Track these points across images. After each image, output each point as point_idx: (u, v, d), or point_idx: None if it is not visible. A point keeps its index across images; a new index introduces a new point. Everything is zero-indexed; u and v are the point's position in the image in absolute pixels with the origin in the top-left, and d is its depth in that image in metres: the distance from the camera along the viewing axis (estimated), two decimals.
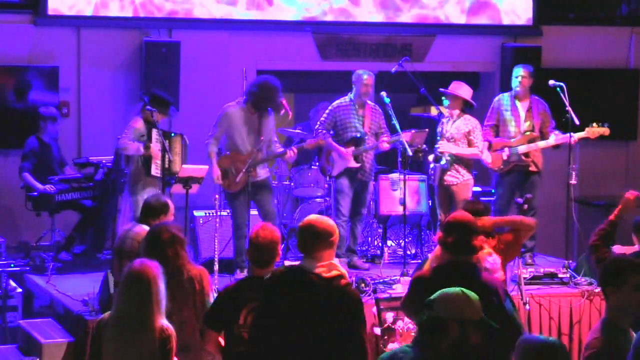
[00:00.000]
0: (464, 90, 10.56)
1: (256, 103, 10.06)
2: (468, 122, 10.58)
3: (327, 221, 5.78)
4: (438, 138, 10.65)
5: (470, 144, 10.55)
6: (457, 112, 10.55)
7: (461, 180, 10.55)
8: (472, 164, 10.68)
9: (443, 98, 10.60)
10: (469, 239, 6.17)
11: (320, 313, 5.54)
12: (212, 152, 10.13)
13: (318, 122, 10.74)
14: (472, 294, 4.75)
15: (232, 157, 10.10)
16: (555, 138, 10.86)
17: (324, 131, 10.55)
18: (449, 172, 10.53)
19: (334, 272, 5.63)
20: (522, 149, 10.88)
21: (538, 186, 10.99)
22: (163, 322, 5.84)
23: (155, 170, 10.04)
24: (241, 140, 10.11)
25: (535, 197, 10.60)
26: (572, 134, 10.57)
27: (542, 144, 10.90)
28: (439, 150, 10.55)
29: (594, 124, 10.72)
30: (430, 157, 10.70)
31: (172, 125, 11.27)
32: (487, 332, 5.80)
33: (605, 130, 10.70)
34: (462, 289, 4.77)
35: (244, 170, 9.86)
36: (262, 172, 10.21)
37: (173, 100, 10.69)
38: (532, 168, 10.95)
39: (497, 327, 4.78)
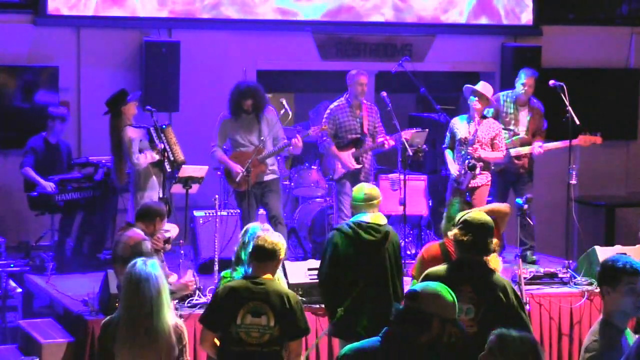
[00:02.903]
0: (490, 91, 10.64)
1: (230, 108, 10.23)
2: (493, 126, 10.64)
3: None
4: (445, 139, 10.64)
5: (494, 147, 10.59)
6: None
7: (485, 182, 10.63)
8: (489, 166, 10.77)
9: (472, 97, 10.53)
10: (486, 239, 6.14)
11: None
12: (222, 156, 10.29)
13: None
14: (452, 293, 4.73)
15: (238, 156, 10.19)
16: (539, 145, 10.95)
17: (327, 138, 10.54)
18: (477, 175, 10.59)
19: None
20: (513, 151, 10.89)
21: (527, 185, 11.03)
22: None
23: (168, 167, 10.06)
24: (243, 140, 10.24)
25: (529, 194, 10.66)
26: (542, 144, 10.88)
27: (525, 149, 10.93)
28: (473, 155, 10.49)
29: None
30: (455, 172, 10.62)
31: (172, 125, 11.23)
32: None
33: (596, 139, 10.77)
34: (444, 286, 4.75)
35: (249, 162, 9.91)
36: (270, 171, 10.25)
37: (125, 90, 10.50)
38: (522, 170, 10.99)
39: (464, 330, 4.75)
